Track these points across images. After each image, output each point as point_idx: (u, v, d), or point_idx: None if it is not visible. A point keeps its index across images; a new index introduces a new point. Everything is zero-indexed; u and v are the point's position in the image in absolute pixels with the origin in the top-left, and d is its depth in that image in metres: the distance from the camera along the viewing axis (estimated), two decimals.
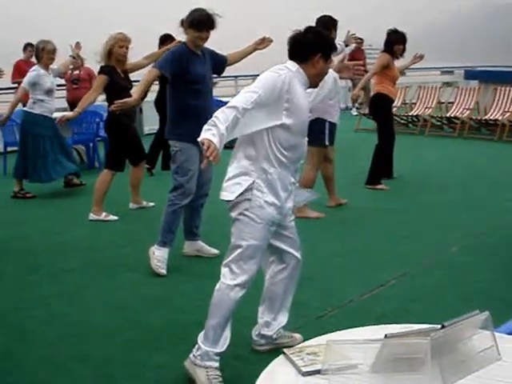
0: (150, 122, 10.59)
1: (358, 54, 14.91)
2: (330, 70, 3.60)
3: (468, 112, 12.12)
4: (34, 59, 7.71)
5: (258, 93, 3.05)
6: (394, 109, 12.74)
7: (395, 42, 7.52)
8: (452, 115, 12.31)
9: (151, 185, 7.64)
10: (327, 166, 6.64)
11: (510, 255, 5.29)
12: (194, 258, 5.27)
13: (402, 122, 13.03)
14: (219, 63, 5.21)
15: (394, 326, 2.16)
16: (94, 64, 6.59)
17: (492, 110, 11.89)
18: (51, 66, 7.25)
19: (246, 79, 13.42)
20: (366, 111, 11.38)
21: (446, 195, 7.42)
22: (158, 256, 4.93)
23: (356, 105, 14.48)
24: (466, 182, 8.17)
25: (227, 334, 3.29)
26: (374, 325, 2.39)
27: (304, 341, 2.40)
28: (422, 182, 8.21)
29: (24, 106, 7.68)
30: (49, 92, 7.14)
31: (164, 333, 3.94)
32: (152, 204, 6.85)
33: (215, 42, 4.96)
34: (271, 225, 3.24)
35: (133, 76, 6.45)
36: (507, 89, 11.88)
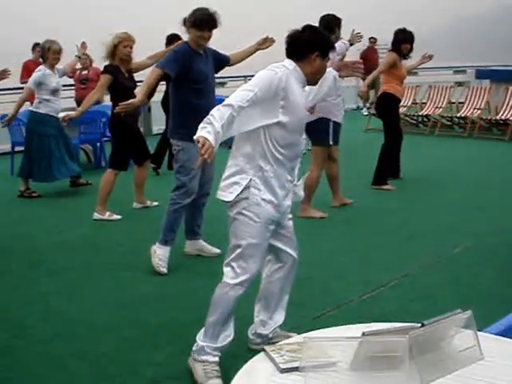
0: (159, 121, 10.63)
1: (371, 54, 14.87)
2: (330, 69, 3.59)
3: (479, 112, 12.03)
4: None
5: (254, 91, 3.05)
6: (404, 108, 12.74)
7: (402, 41, 7.49)
8: (462, 115, 12.23)
9: (156, 184, 7.66)
10: (332, 165, 6.62)
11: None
12: (195, 257, 5.27)
13: (412, 121, 12.98)
14: (221, 63, 5.22)
15: (377, 324, 2.14)
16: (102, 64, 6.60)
17: (503, 110, 11.79)
18: (57, 66, 7.28)
19: None
20: None
21: (453, 195, 7.37)
22: (160, 254, 4.93)
23: (367, 105, 14.45)
24: (476, 182, 8.10)
25: (228, 330, 3.32)
26: None
27: None
28: (430, 182, 8.16)
29: (31, 105, 7.72)
30: (54, 92, 7.17)
31: (163, 331, 3.95)
32: (156, 203, 6.85)
33: (216, 41, 4.96)
34: (270, 223, 3.24)
35: (137, 76, 6.47)
36: None
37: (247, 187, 3.16)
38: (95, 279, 4.88)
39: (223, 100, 3.11)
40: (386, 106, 7.68)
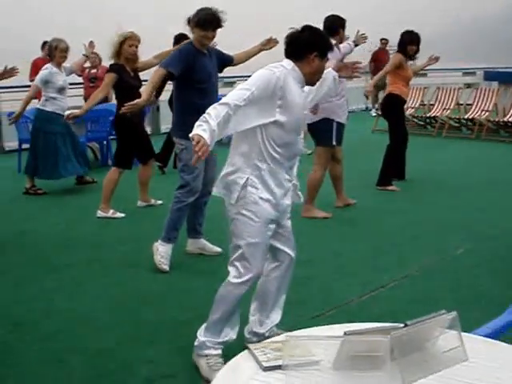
0: (167, 120, 10.63)
1: (381, 55, 14.84)
2: (330, 69, 3.60)
3: (487, 114, 11.99)
4: None
5: (251, 90, 3.06)
6: (412, 110, 12.72)
7: (409, 42, 7.48)
8: (470, 117, 12.19)
9: (161, 183, 7.69)
10: (335, 165, 6.62)
11: None
12: (196, 255, 5.29)
13: (420, 123, 12.94)
14: (225, 63, 5.24)
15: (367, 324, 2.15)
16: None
17: (511, 112, 11.74)
18: (64, 65, 7.33)
19: None
20: None
21: (458, 197, 7.35)
22: (162, 252, 4.97)
23: (376, 105, 14.43)
24: (482, 184, 8.06)
25: (231, 327, 3.36)
26: None
27: None
28: (435, 183, 8.14)
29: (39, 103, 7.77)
30: (61, 90, 7.22)
31: (162, 329, 3.97)
32: (160, 202, 6.89)
33: (217, 41, 4.98)
34: (269, 222, 3.26)
35: (143, 75, 6.49)
36: None
37: (244, 186, 3.18)
38: (97, 277, 4.91)
39: None
40: (392, 107, 7.67)
